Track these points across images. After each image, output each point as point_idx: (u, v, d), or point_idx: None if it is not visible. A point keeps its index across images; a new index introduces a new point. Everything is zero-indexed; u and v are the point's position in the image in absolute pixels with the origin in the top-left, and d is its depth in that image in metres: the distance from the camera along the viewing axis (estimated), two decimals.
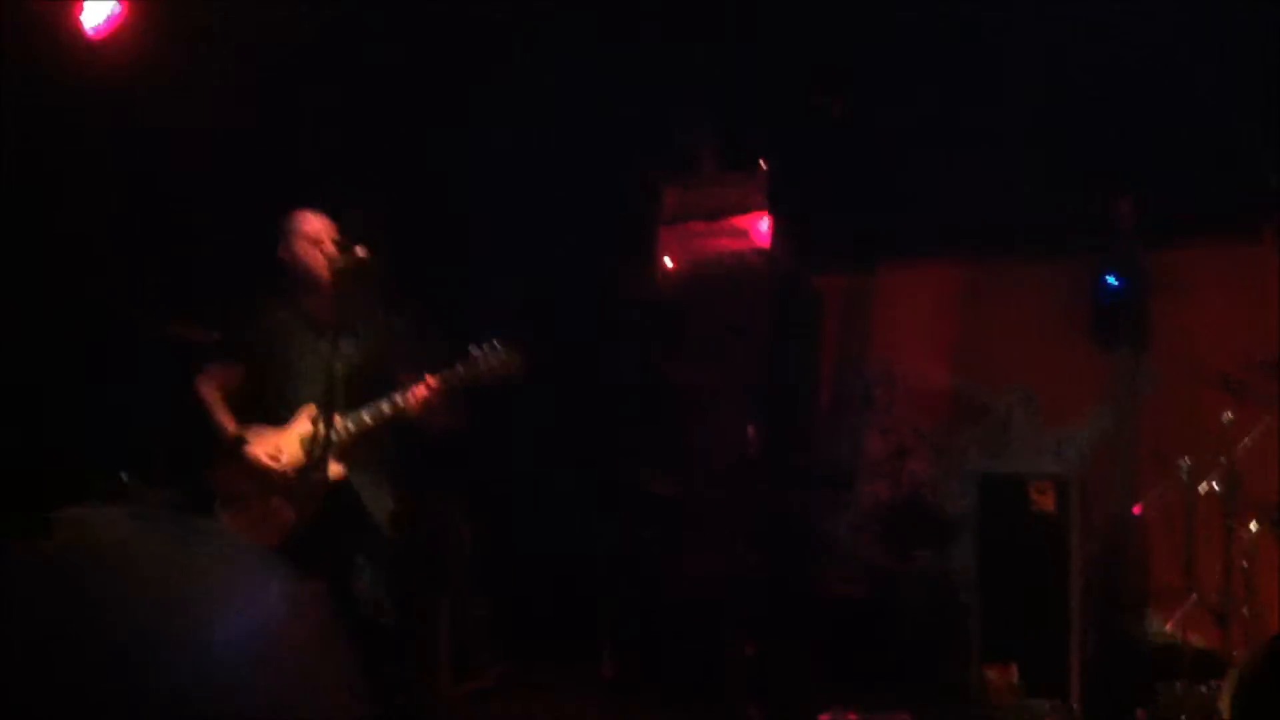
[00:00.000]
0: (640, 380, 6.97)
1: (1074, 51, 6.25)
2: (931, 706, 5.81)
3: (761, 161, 6.70)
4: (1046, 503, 5.63)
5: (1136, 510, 5.61)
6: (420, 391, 4.49)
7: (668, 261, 6.85)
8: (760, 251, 6.60)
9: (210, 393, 4.63)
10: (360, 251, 4.40)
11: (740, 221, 6.58)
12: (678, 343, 6.80)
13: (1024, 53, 6.37)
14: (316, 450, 4.33)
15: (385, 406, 4.49)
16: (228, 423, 4.56)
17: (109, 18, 5.01)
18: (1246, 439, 5.31)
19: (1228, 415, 5.36)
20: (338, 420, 4.36)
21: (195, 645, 0.59)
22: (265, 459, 4.46)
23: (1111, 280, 6.55)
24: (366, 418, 4.48)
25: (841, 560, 7.21)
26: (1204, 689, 4.86)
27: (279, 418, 4.55)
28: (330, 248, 4.48)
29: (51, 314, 5.36)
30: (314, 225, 4.60)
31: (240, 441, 4.50)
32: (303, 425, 4.47)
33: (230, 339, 4.76)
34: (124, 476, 4.93)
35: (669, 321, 6.89)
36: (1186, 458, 5.42)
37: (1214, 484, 5.34)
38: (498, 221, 6.92)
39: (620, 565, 6.89)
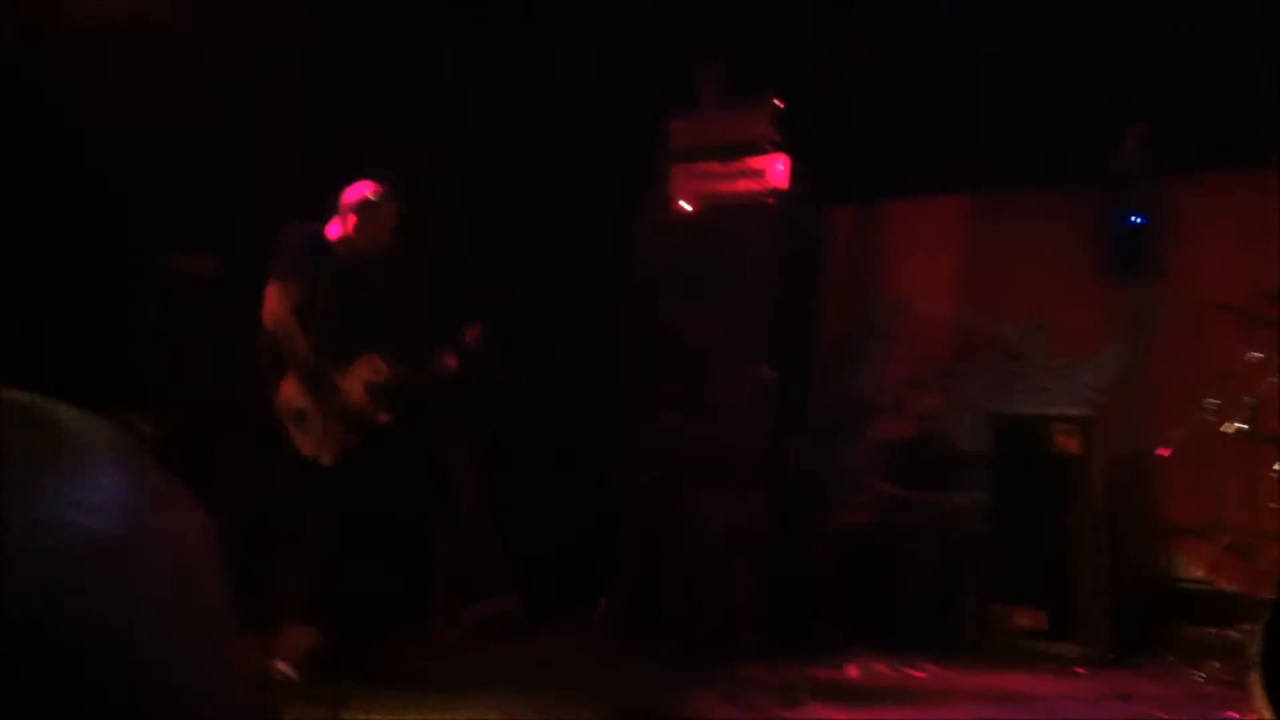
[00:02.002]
0: (645, 319, 6.87)
1: None
2: (943, 644, 5.82)
3: (773, 97, 6.51)
4: (1070, 444, 5.58)
5: (1165, 453, 5.54)
6: (451, 362, 5.33)
7: (682, 203, 6.70)
8: (777, 193, 6.45)
9: (292, 316, 4.94)
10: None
11: (756, 162, 6.42)
12: (684, 281, 6.68)
13: None
14: (377, 395, 5.11)
15: (424, 368, 5.30)
16: (312, 354, 4.94)
17: None
18: (1273, 377, 5.25)
19: (1253, 355, 5.30)
20: (387, 371, 5.19)
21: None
22: (350, 396, 5.03)
23: (1133, 218, 6.46)
24: (408, 375, 5.25)
25: (850, 494, 7.18)
26: (1234, 633, 4.84)
27: (332, 353, 5.02)
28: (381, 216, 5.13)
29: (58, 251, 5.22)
30: (381, 197, 5.16)
31: (328, 377, 4.97)
32: (362, 368, 5.13)
33: (289, 261, 4.99)
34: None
35: (674, 260, 6.76)
36: (1212, 398, 5.36)
37: (1239, 425, 5.28)
38: (501, 164, 6.76)
39: (626, 506, 6.84)
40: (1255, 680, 3.41)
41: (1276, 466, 5.19)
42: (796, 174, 6.66)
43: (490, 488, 6.66)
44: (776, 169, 6.43)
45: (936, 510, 6.63)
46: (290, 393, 4.91)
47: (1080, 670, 5.44)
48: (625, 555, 6.78)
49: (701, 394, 6.64)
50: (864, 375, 7.42)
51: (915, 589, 6.26)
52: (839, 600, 6.27)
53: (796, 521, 6.76)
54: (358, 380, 5.13)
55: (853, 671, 5.64)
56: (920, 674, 5.56)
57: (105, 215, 5.33)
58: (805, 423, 7.10)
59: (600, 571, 6.84)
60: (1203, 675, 5.05)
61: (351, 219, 5.11)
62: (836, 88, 6.81)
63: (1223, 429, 5.33)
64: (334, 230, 5.15)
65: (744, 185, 6.45)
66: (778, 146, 6.46)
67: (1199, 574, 5.31)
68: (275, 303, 4.89)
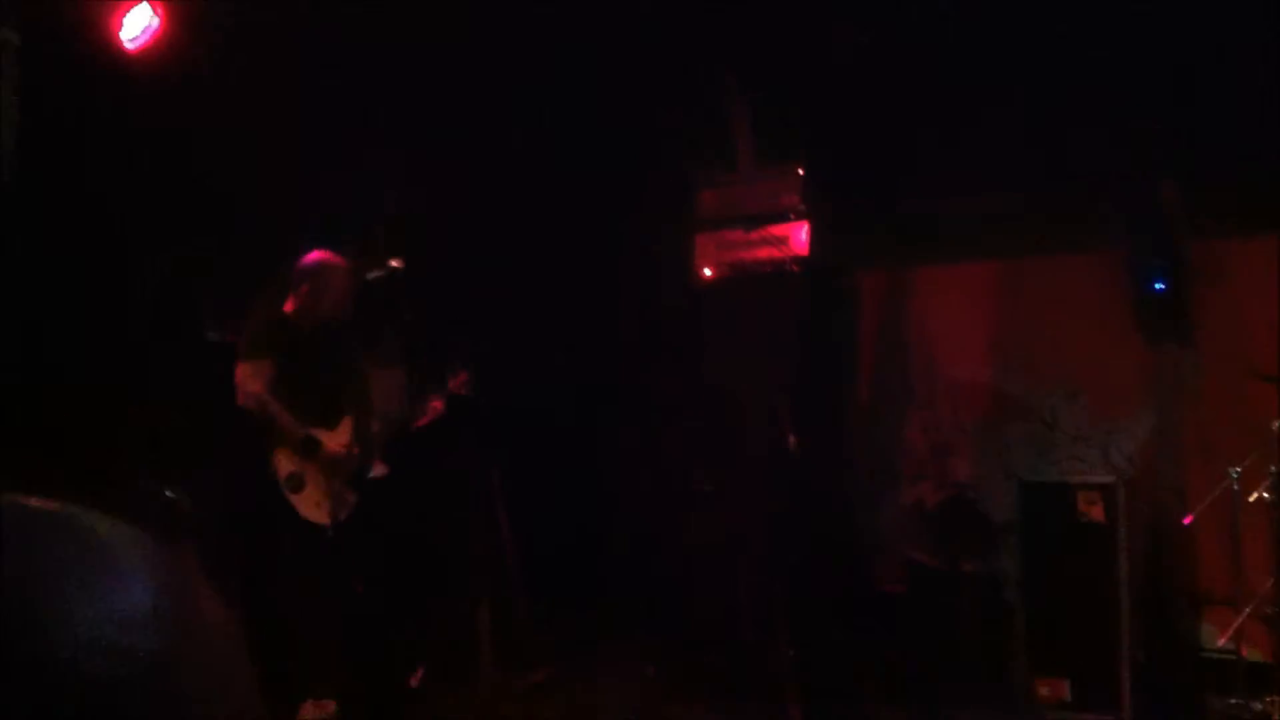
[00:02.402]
0: (678, 382, 6.93)
1: (1117, 33, 6.14)
2: (976, 712, 5.78)
3: (798, 166, 6.59)
4: (1096, 512, 5.55)
5: (1187, 520, 5.50)
6: (437, 406, 5.60)
7: (705, 271, 6.79)
8: (799, 259, 6.52)
9: (267, 393, 5.07)
10: (391, 264, 5.26)
11: (779, 229, 6.50)
12: (715, 344, 6.74)
13: (1064, 34, 6.26)
14: (368, 448, 5.25)
15: (409, 416, 5.59)
16: (294, 421, 5.08)
17: (147, 29, 4.97)
18: None
19: (1277, 424, 5.26)
20: (376, 425, 5.37)
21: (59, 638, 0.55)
22: (341, 453, 5.14)
23: (1158, 284, 6.43)
24: (396, 424, 5.50)
25: (884, 559, 7.17)
26: (1258, 705, 4.79)
27: (314, 418, 5.17)
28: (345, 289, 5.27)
29: (96, 317, 5.37)
30: (331, 266, 5.30)
31: (314, 439, 5.09)
32: (347, 427, 5.26)
33: (256, 339, 5.14)
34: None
35: (707, 323, 6.83)
36: (1237, 467, 5.32)
37: (1264, 492, 5.25)
38: (534, 221, 6.89)
39: (662, 565, 6.87)
40: None
41: None
42: (826, 239, 6.72)
43: (526, 546, 6.71)
44: (800, 237, 6.49)
45: (968, 578, 6.61)
46: (283, 462, 5.05)
47: None
48: (667, 622, 6.80)
49: (733, 458, 6.68)
50: (896, 441, 7.41)
51: (947, 656, 6.23)
52: (872, 659, 6.25)
53: (831, 580, 6.77)
54: (345, 437, 5.22)
55: None
56: None
57: (135, 279, 5.49)
58: (837, 489, 7.10)
59: (634, 631, 6.86)
60: None
61: (304, 288, 5.23)
62: (867, 152, 6.87)
63: (1251, 498, 5.29)
64: (290, 303, 5.29)
65: (769, 253, 6.52)
66: (803, 215, 6.53)
67: (1225, 643, 5.24)
68: (247, 381, 5.02)
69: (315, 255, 5.31)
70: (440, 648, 6.22)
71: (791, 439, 6.12)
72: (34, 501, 0.61)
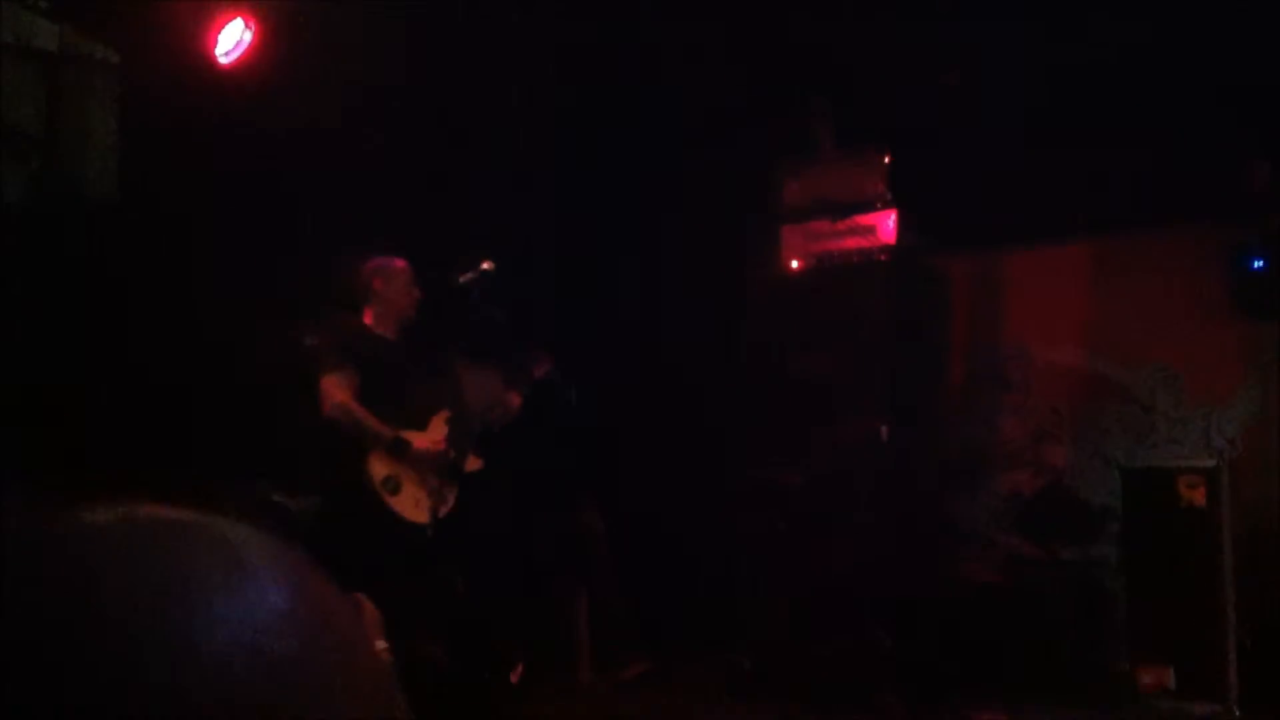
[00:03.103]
0: (767, 374, 6.92)
1: (1204, 10, 6.04)
2: (1078, 703, 5.72)
3: (883, 153, 6.55)
4: (1197, 496, 5.46)
5: None
6: (516, 400, 5.64)
7: (793, 263, 6.78)
8: (887, 248, 6.48)
9: (353, 401, 5.17)
10: (483, 266, 5.22)
11: (866, 219, 6.47)
12: (803, 335, 6.72)
13: (1151, 13, 6.17)
14: (462, 445, 5.27)
15: (495, 411, 5.61)
16: (384, 426, 5.16)
17: (240, 44, 5.08)
18: None
19: None
20: (468, 422, 5.36)
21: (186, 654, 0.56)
22: (435, 452, 5.20)
23: (1257, 261, 6.31)
24: (487, 420, 5.55)
25: (980, 548, 7.12)
26: None
27: (404, 421, 5.26)
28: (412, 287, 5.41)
29: (187, 330, 5.50)
30: (392, 268, 5.43)
31: (404, 440, 5.17)
32: (439, 426, 5.31)
33: (338, 349, 5.25)
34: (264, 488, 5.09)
35: (794, 313, 6.81)
36: None
37: None
38: (619, 218, 6.93)
39: (754, 558, 6.88)
40: None
41: None
42: (913, 226, 6.68)
43: (619, 541, 6.76)
44: (887, 225, 6.46)
45: (1068, 567, 6.54)
46: (377, 466, 5.13)
47: None
48: (753, 609, 6.81)
49: (823, 448, 6.66)
50: (989, 427, 7.35)
51: (1045, 645, 6.17)
52: (970, 650, 6.21)
53: (925, 571, 6.73)
54: (438, 435, 5.30)
55: None
56: None
57: (231, 289, 5.61)
58: (929, 476, 7.05)
59: (729, 625, 6.88)
60: None
61: (371, 292, 5.40)
62: (952, 136, 6.82)
63: None
64: (366, 312, 5.43)
65: (856, 242, 6.49)
66: (889, 203, 6.49)
67: None
68: (333, 392, 5.13)
69: (375, 261, 5.43)
70: (539, 644, 6.29)
71: (883, 429, 6.10)
72: (167, 510, 0.63)
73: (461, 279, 5.21)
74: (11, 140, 5.34)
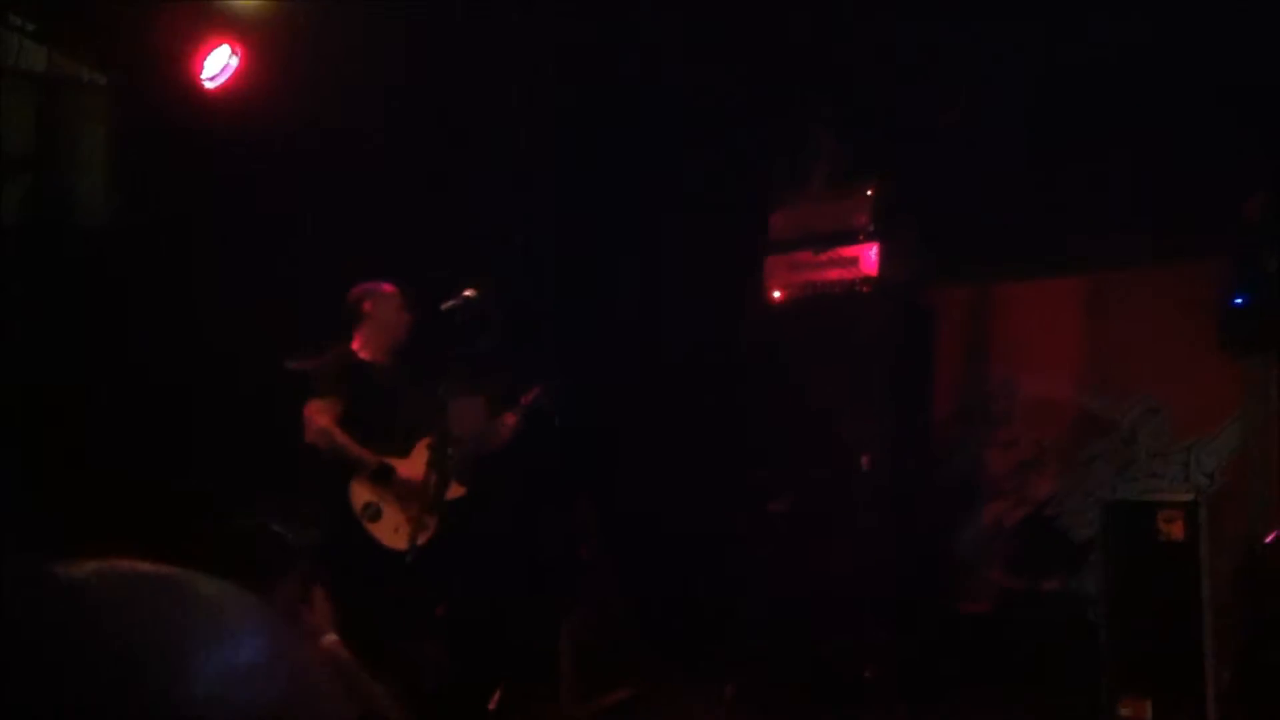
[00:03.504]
0: (757, 403, 6.93)
1: (1196, 46, 6.07)
2: None
3: (869, 187, 6.58)
4: (1175, 530, 5.46)
5: (1269, 539, 5.40)
6: (510, 421, 5.60)
7: (775, 293, 6.80)
8: (869, 280, 6.50)
9: (335, 427, 5.19)
10: (466, 294, 5.18)
11: (849, 251, 6.50)
12: (790, 367, 6.74)
13: (1143, 47, 6.20)
14: (444, 472, 5.22)
15: (487, 438, 5.59)
16: (365, 452, 5.20)
17: (226, 68, 5.12)
18: None
19: None
20: (452, 449, 5.30)
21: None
22: (417, 479, 5.17)
23: (1239, 298, 6.32)
24: (473, 448, 5.52)
25: (964, 578, 7.11)
26: None
27: (389, 448, 5.29)
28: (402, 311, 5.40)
29: (181, 352, 5.52)
30: (381, 294, 5.42)
31: (387, 467, 5.20)
32: (422, 453, 5.28)
33: (323, 375, 5.27)
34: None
35: (784, 337, 6.83)
36: None
37: None
38: (619, 218, 6.94)
39: (743, 584, 6.87)
40: None
41: None
42: (899, 259, 6.71)
43: (615, 567, 6.76)
44: (869, 257, 6.49)
45: (1049, 598, 6.53)
46: (359, 492, 5.17)
47: None
48: (746, 637, 6.80)
49: (813, 476, 6.67)
50: (977, 459, 7.34)
51: (1028, 677, 6.16)
52: (954, 679, 6.21)
53: (912, 600, 6.72)
54: (420, 463, 5.29)
55: None
56: None
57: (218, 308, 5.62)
58: (915, 508, 7.04)
59: (722, 652, 6.86)
60: None
61: (359, 317, 5.40)
62: (945, 168, 6.84)
63: None
64: (354, 338, 5.43)
65: (839, 274, 6.51)
66: (872, 235, 6.52)
67: None
68: (315, 418, 5.14)
69: (364, 286, 5.44)
70: (520, 669, 6.27)
71: (864, 459, 6.11)
72: (145, 566, 0.64)
73: (444, 306, 5.20)
74: (3, 160, 5.37)
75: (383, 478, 5.18)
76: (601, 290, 7.23)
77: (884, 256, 6.46)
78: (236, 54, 5.12)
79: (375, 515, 5.16)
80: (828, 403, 6.60)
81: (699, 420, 7.18)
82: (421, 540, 5.13)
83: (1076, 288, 7.13)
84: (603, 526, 6.81)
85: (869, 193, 6.55)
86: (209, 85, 5.14)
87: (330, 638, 4.53)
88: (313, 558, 4.95)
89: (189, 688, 0.58)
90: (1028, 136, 6.73)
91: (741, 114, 6.86)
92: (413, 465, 5.30)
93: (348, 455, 5.15)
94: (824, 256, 6.48)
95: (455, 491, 5.41)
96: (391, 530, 5.17)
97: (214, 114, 5.29)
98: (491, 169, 6.56)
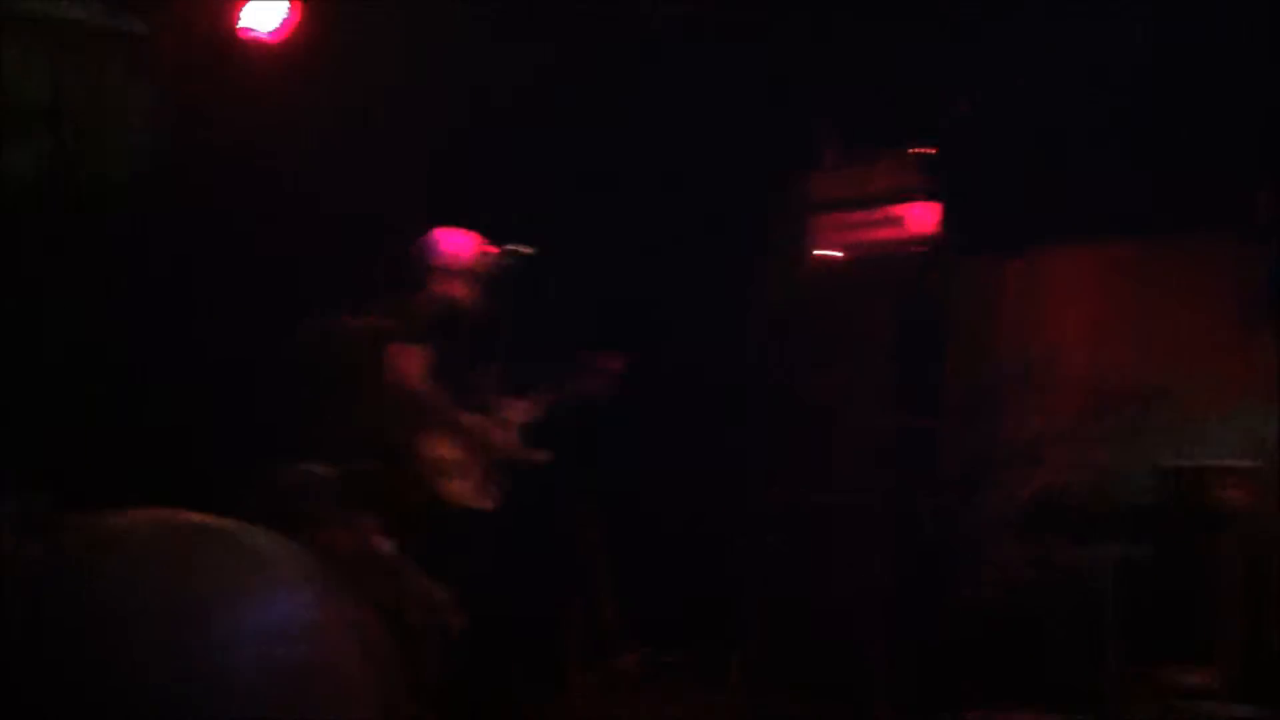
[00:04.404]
0: (772, 373, 6.87)
1: (1214, 35, 6.05)
2: (1073, 709, 5.69)
3: (923, 147, 6.52)
4: (1237, 496, 5.45)
5: None
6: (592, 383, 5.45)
7: (825, 251, 6.72)
8: (918, 239, 6.43)
9: (425, 377, 5.01)
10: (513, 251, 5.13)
11: (897, 210, 6.42)
12: (809, 334, 6.67)
13: (1164, 33, 6.17)
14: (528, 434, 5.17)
15: (569, 400, 5.42)
16: (453, 406, 5.03)
17: (281, 19, 4.95)
18: None
19: None
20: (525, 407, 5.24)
21: (197, 655, 0.58)
22: (498, 435, 5.08)
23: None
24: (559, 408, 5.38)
25: (977, 556, 7.07)
26: None
27: (477, 403, 5.14)
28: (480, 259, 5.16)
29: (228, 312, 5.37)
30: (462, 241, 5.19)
31: (472, 423, 5.04)
32: (508, 410, 5.20)
33: (413, 327, 5.03)
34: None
35: (800, 313, 6.76)
36: None
37: None
38: (629, 218, 6.83)
39: (751, 564, 6.82)
40: None
41: None
42: (935, 222, 6.65)
43: (614, 541, 6.68)
44: (919, 217, 6.43)
45: (1065, 569, 6.50)
46: (442, 448, 4.97)
47: None
48: (753, 615, 6.76)
49: (828, 448, 6.62)
50: (999, 428, 7.29)
51: (1057, 648, 6.14)
52: (966, 658, 6.18)
53: (930, 578, 6.70)
54: (506, 422, 5.18)
55: None
56: None
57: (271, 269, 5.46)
58: (937, 477, 7.00)
59: (727, 630, 6.82)
60: None
61: (439, 265, 5.14)
62: (967, 136, 6.78)
63: None
64: (440, 281, 5.14)
65: (886, 233, 6.44)
66: (914, 195, 6.45)
67: None
68: (411, 365, 4.94)
69: (444, 231, 5.20)
70: (529, 641, 6.18)
71: (890, 422, 6.06)
72: (200, 517, 0.65)
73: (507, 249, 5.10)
74: (29, 115, 5.21)
75: (473, 436, 5.05)
76: (606, 266, 7.10)
77: (940, 216, 6.38)
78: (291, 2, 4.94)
79: (456, 472, 5.02)
80: (847, 373, 6.53)
81: (703, 408, 7.09)
82: (492, 504, 5.05)
83: (1126, 254, 7.05)
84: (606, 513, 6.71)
85: (923, 151, 6.47)
86: (262, 35, 4.95)
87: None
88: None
89: (231, 639, 0.58)
90: (1050, 110, 6.68)
91: (781, 80, 6.74)
92: (493, 422, 5.18)
93: (440, 408, 4.99)
94: (861, 216, 6.38)
95: (536, 456, 5.29)
96: (475, 490, 5.05)
97: (262, 67, 5.11)
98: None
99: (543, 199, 6.29)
